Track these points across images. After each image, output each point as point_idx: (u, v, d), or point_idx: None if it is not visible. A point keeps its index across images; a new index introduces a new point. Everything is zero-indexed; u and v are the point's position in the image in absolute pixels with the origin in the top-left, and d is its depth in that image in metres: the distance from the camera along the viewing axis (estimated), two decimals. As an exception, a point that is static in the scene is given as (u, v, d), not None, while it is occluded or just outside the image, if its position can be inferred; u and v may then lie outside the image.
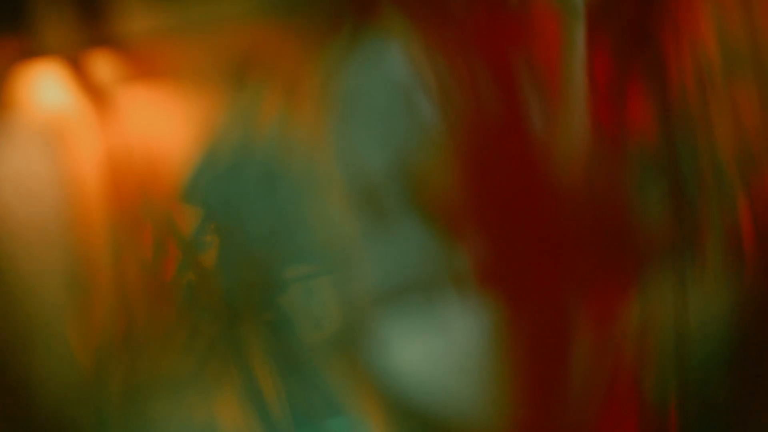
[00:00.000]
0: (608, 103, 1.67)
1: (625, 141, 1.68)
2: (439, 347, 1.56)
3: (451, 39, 1.67)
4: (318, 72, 1.83)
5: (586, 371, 1.54)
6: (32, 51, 2.25)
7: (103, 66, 2.33)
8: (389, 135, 1.64)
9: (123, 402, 2.20)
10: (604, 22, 1.64)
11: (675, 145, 1.80)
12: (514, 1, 1.66)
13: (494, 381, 1.54)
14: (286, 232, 2.28)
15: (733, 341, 1.69)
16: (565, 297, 1.56)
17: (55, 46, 2.27)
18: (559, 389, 1.53)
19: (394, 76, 1.64)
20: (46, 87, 2.34)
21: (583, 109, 1.59)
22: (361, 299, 1.69)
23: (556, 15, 1.61)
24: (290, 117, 2.26)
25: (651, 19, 1.81)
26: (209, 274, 2.25)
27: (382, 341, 1.63)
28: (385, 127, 1.63)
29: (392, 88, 1.64)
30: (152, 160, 2.33)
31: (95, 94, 2.35)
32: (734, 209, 1.86)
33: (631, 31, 1.83)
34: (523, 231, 1.57)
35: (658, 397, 1.67)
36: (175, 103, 2.38)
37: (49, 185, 2.30)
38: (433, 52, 1.65)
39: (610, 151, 1.63)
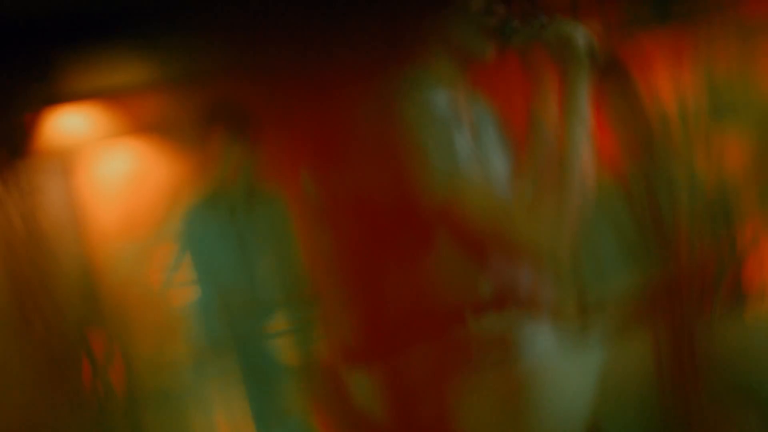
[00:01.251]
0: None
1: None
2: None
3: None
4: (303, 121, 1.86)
5: None
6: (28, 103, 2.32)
7: (87, 118, 2.38)
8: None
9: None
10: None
11: (654, 191, 1.79)
12: (516, 53, 1.66)
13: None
14: (258, 283, 2.32)
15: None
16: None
17: (43, 98, 2.33)
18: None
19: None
20: (29, 138, 2.41)
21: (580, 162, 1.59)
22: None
23: (559, 65, 1.58)
24: (262, 167, 2.29)
25: (629, 67, 1.80)
26: (181, 318, 2.30)
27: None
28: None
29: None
30: (130, 205, 2.40)
31: (77, 145, 2.42)
32: (718, 251, 1.84)
33: (609, 79, 1.83)
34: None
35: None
36: (154, 152, 2.42)
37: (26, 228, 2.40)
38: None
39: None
